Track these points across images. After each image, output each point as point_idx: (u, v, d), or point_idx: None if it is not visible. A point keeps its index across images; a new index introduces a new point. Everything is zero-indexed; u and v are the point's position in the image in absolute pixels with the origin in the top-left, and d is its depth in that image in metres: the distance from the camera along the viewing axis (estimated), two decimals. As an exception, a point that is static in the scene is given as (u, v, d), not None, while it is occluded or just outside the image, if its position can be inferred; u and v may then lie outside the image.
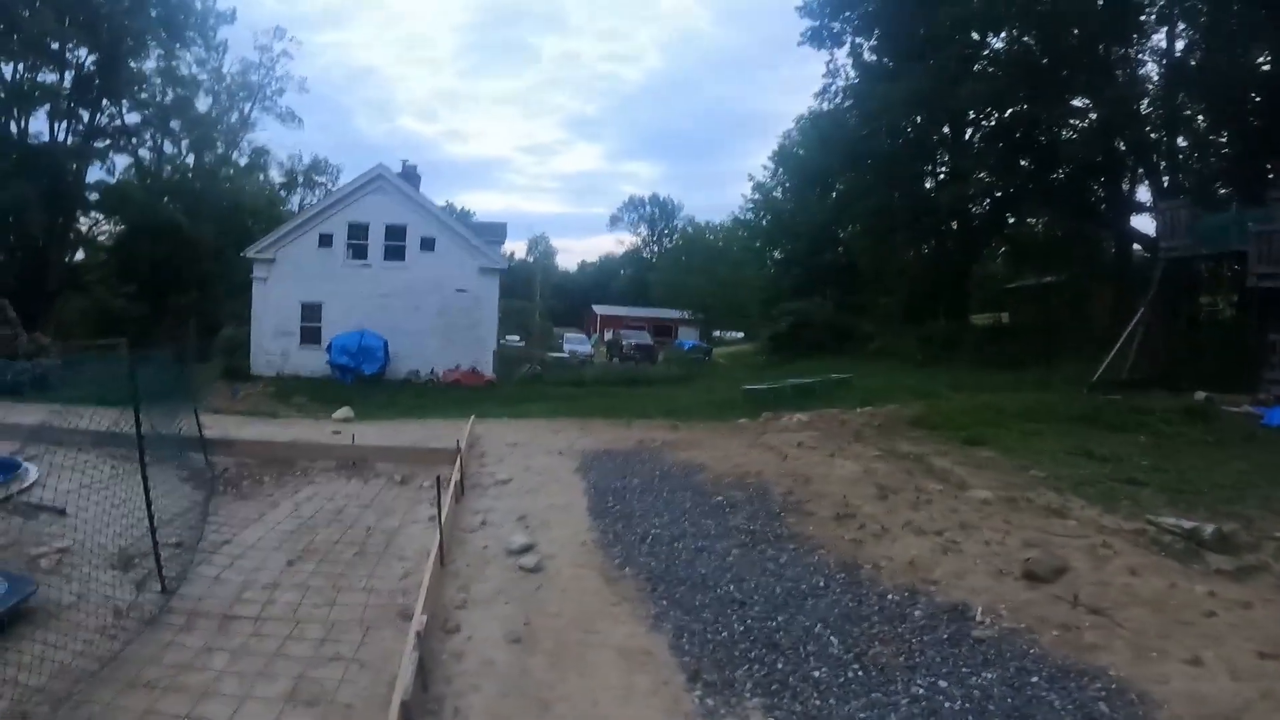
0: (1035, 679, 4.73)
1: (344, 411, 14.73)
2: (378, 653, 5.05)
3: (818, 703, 4.68)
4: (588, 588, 6.46)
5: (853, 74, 33.45)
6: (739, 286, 67.29)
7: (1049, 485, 9.10)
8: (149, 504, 5.35)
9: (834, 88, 34.23)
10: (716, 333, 70.91)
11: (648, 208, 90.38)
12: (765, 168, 51.29)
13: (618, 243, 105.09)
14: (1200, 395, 15.97)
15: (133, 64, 36.28)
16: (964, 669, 4.92)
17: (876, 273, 41.73)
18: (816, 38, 32.75)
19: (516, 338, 44.31)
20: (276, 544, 6.98)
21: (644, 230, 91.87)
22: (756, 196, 51.49)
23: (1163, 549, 6.67)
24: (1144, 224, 28.71)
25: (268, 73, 44.65)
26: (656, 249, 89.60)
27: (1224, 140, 24.66)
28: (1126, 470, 9.81)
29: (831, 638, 5.45)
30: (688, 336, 69.17)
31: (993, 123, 30.47)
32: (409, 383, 26.42)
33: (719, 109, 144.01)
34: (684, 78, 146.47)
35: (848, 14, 31.92)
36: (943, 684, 4.79)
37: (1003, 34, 27.61)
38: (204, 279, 37.55)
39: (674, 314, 73.68)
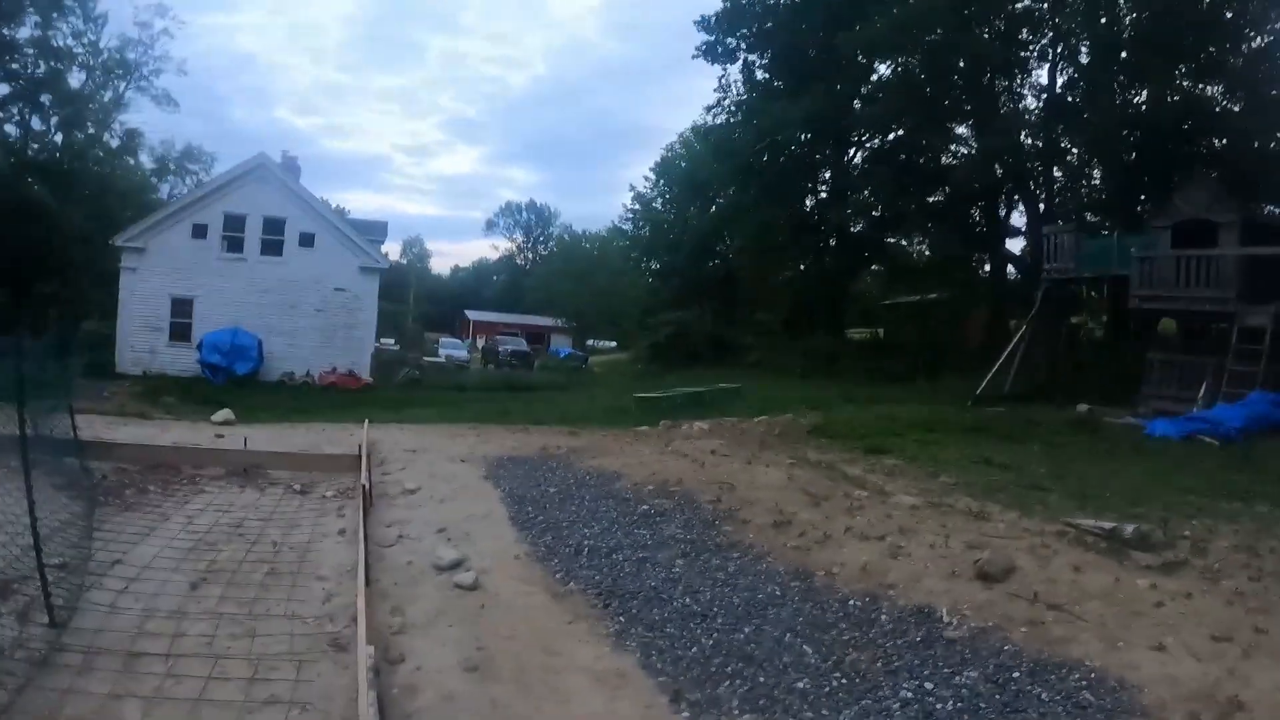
0: (1017, 674, 4.64)
1: (224, 414, 13.43)
2: (318, 691, 4.38)
3: (810, 714, 4.42)
4: (535, 605, 5.97)
5: (742, 90, 34.20)
6: (614, 296, 67.50)
7: (963, 491, 9.23)
8: (33, 519, 4.43)
9: (726, 102, 34.85)
10: (590, 341, 70.75)
11: (524, 214, 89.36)
12: (647, 178, 51.64)
13: (492, 248, 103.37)
14: (1083, 408, 16.81)
15: (5, 31, 32.82)
16: (945, 670, 4.78)
17: (756, 287, 42.72)
18: (711, 53, 33.30)
19: (391, 341, 42.55)
20: (174, 564, 6.04)
21: (519, 236, 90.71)
22: (636, 206, 51.68)
23: (1088, 549, 6.89)
24: (1016, 247, 30.68)
25: (146, 51, 41.25)
26: (532, 256, 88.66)
27: (1096, 173, 26.74)
28: (1029, 477, 10.07)
29: (805, 647, 5.20)
30: (560, 344, 68.71)
31: (877, 144, 31.81)
32: (283, 384, 24.82)
33: (601, 119, 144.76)
34: (569, 86, 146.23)
35: (743, 31, 32.62)
36: (929, 685, 4.63)
37: (889, 62, 28.84)
38: (69, 267, 34.09)
39: (547, 321, 73.09)
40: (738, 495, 8.95)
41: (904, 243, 35.49)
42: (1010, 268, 30.26)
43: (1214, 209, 17.56)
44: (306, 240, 26.75)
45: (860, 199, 30.00)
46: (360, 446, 10.02)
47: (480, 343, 63.37)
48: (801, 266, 38.66)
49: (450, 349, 46.01)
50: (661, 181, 50.62)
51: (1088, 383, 19.69)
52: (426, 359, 37.19)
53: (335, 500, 8.31)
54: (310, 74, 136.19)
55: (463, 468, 10.52)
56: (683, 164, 49.12)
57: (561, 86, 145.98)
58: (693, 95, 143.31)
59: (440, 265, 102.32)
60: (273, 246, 26.54)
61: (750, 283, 42.03)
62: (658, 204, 51.02)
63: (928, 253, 34.98)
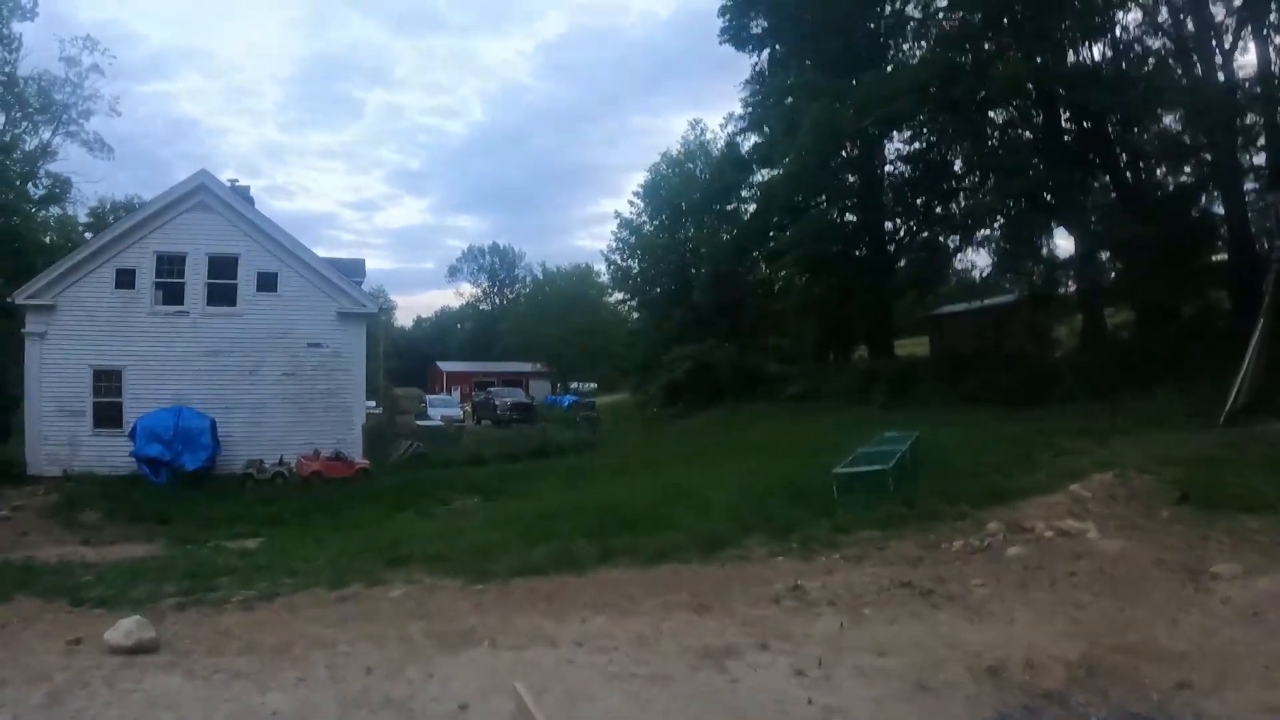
0: None
1: (127, 627, 5.32)
2: None
3: None
4: None
5: (774, 80, 27.38)
6: (594, 334, 60.31)
7: None
8: None
9: (759, 98, 27.96)
10: (574, 385, 63.12)
11: (488, 257, 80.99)
12: (632, 204, 44.62)
13: (457, 295, 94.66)
14: None
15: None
16: None
17: (779, 309, 35.97)
18: (736, 38, 26.55)
19: (372, 404, 34.06)
20: None
21: (485, 281, 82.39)
22: (625, 234, 44.57)
23: None
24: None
25: (75, 90, 32.58)
26: (499, 300, 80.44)
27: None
28: None
29: None
30: (538, 390, 60.79)
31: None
32: (250, 478, 16.68)
33: (545, 161, 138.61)
34: (508, 131, 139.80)
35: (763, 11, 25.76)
36: None
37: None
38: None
39: (525, 367, 65.22)
40: None
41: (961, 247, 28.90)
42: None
43: None
44: (267, 282, 18.74)
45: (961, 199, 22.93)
46: None
47: (456, 394, 54.79)
48: (832, 281, 31.75)
49: (443, 408, 37.40)
50: (649, 206, 43.68)
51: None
52: (419, 422, 28.84)
53: None
54: (250, 136, 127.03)
55: None
56: (663, 190, 42.40)
57: (500, 132, 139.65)
58: (632, 134, 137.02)
59: (399, 318, 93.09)
60: (223, 294, 18.50)
61: (776, 304, 35.35)
62: (646, 229, 44.04)
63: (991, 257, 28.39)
